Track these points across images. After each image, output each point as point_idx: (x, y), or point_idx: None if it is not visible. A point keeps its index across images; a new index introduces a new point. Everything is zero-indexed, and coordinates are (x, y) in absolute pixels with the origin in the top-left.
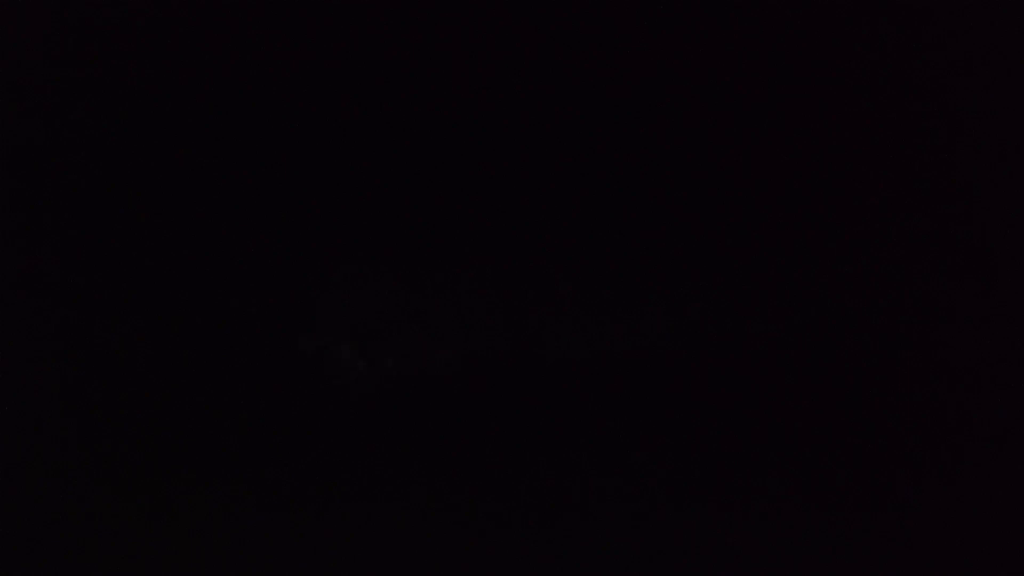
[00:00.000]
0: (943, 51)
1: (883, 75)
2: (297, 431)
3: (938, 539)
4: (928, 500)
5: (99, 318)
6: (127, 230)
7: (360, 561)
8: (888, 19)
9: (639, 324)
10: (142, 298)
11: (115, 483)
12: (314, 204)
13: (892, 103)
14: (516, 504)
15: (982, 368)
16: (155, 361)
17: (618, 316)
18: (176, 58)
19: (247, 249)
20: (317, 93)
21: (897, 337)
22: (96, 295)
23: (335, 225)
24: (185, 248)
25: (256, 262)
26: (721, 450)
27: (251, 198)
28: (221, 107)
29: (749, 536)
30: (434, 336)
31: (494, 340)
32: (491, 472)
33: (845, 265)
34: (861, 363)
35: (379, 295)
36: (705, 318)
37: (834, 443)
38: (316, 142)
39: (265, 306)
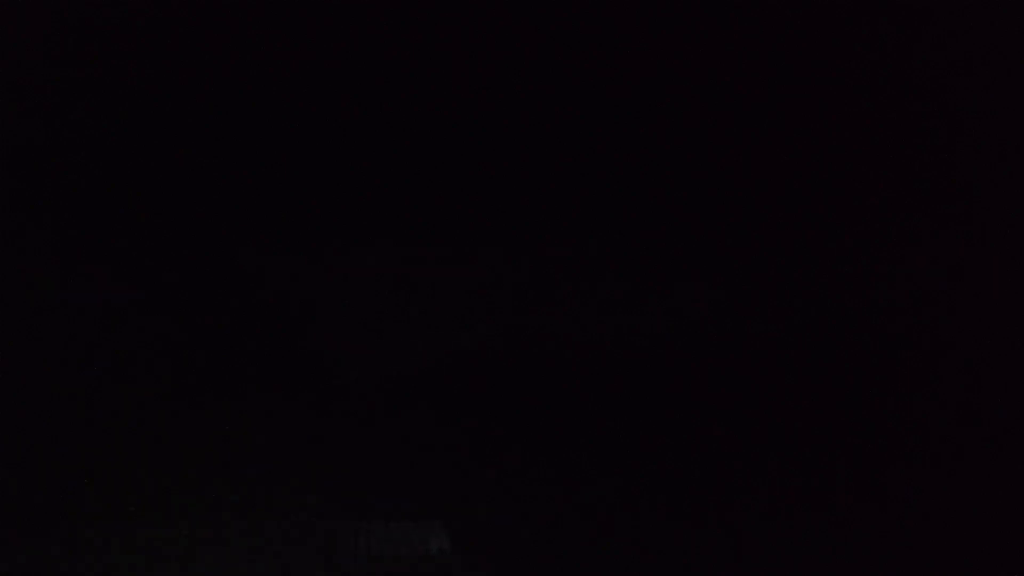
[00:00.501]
0: (943, 51)
1: (883, 75)
2: (298, 429)
3: (938, 539)
4: (928, 500)
5: (99, 317)
6: (127, 229)
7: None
8: (888, 19)
9: (640, 321)
10: (142, 297)
11: (114, 482)
12: (314, 202)
13: (892, 103)
14: (516, 502)
15: (982, 368)
16: (155, 361)
17: (619, 313)
18: (176, 58)
19: (247, 248)
20: (317, 90)
21: (897, 337)
22: (96, 294)
23: (334, 220)
24: (185, 248)
25: (256, 261)
26: (721, 449)
27: (251, 197)
28: (220, 106)
29: (749, 536)
30: (432, 331)
31: (493, 338)
32: (490, 469)
33: (845, 265)
34: (861, 363)
35: (376, 291)
36: (706, 317)
37: (834, 443)
38: (316, 143)
39: (265, 304)
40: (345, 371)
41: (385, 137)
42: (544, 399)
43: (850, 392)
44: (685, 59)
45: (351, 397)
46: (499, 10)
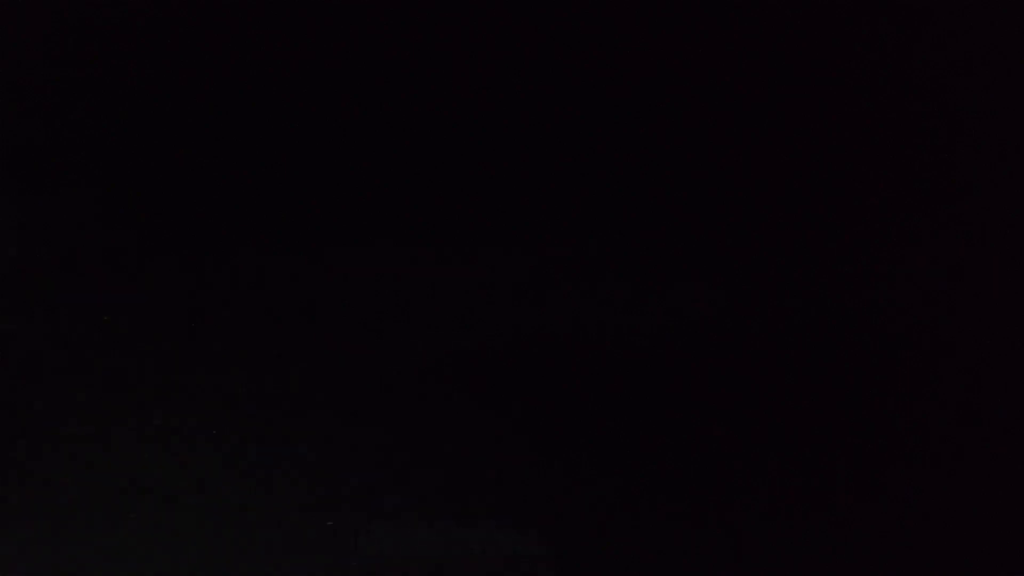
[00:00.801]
0: (943, 51)
1: (883, 75)
2: (297, 428)
3: (938, 539)
4: (928, 500)
5: (99, 318)
6: (127, 229)
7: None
8: (888, 19)
9: (640, 321)
10: (142, 297)
11: (113, 482)
12: (314, 201)
13: (892, 103)
14: (515, 502)
15: (982, 368)
16: (154, 360)
17: (619, 313)
18: (176, 58)
19: (247, 248)
20: (317, 90)
21: (897, 337)
22: (96, 295)
23: (334, 220)
24: (185, 248)
25: (256, 261)
26: (721, 449)
27: (252, 197)
28: (220, 106)
29: (749, 536)
30: (432, 331)
31: (493, 337)
32: (489, 470)
33: (845, 265)
34: (861, 363)
35: (376, 291)
36: (706, 317)
37: (834, 443)
38: (316, 142)
39: (265, 304)
40: (345, 371)
41: (385, 137)
42: (544, 399)
43: (850, 392)
44: (685, 59)
45: (352, 397)
46: (499, 10)
